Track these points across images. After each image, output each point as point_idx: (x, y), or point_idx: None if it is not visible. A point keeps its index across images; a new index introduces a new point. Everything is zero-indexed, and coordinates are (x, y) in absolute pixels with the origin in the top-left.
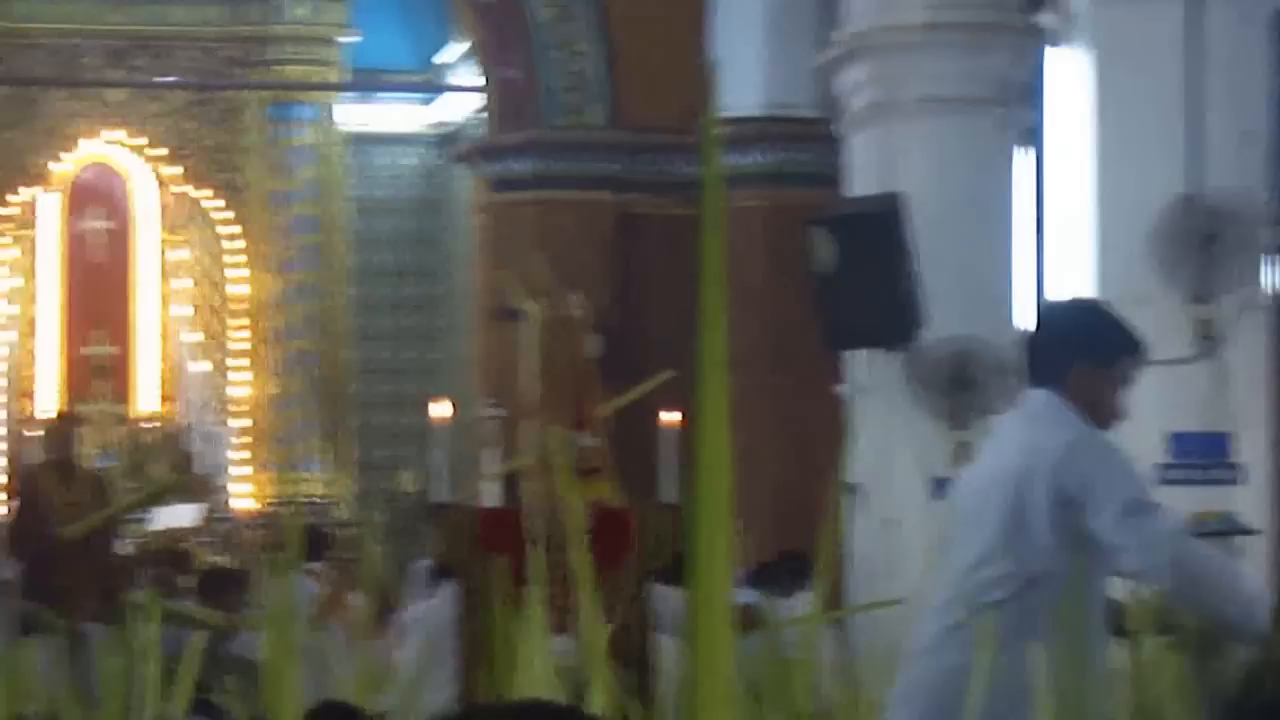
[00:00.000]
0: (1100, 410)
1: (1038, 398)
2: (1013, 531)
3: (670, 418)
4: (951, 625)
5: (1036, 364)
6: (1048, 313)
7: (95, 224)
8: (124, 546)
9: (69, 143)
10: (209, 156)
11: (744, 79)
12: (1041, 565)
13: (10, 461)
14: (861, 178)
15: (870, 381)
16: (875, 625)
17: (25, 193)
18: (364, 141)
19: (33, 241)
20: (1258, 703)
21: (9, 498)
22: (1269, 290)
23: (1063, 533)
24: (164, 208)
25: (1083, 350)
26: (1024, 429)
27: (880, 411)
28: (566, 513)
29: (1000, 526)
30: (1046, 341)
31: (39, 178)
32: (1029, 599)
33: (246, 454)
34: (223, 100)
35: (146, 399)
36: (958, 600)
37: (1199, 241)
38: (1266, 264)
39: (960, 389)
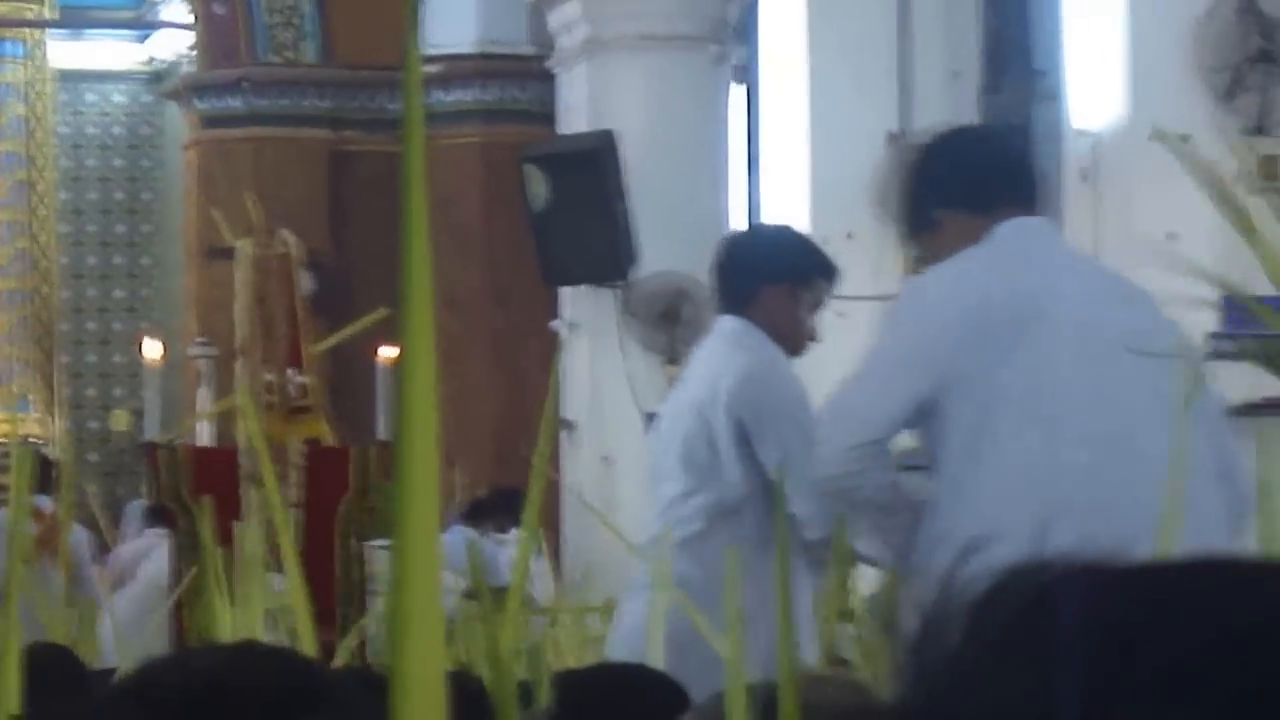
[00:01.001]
0: (791, 334)
1: (727, 324)
2: (705, 461)
3: (387, 354)
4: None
5: (726, 290)
6: (735, 239)
7: None
8: None
9: None
10: None
11: (457, 15)
12: (735, 494)
13: None
14: (576, 115)
15: (585, 317)
16: (591, 561)
17: None
18: (74, 79)
19: None
20: (940, 651)
21: None
22: None
23: (747, 461)
24: None
25: (772, 273)
26: (712, 357)
27: (595, 347)
28: (280, 451)
29: (693, 457)
30: (735, 267)
31: None
32: (729, 529)
33: None
34: None
35: None
36: (664, 533)
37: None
38: None
39: (673, 323)
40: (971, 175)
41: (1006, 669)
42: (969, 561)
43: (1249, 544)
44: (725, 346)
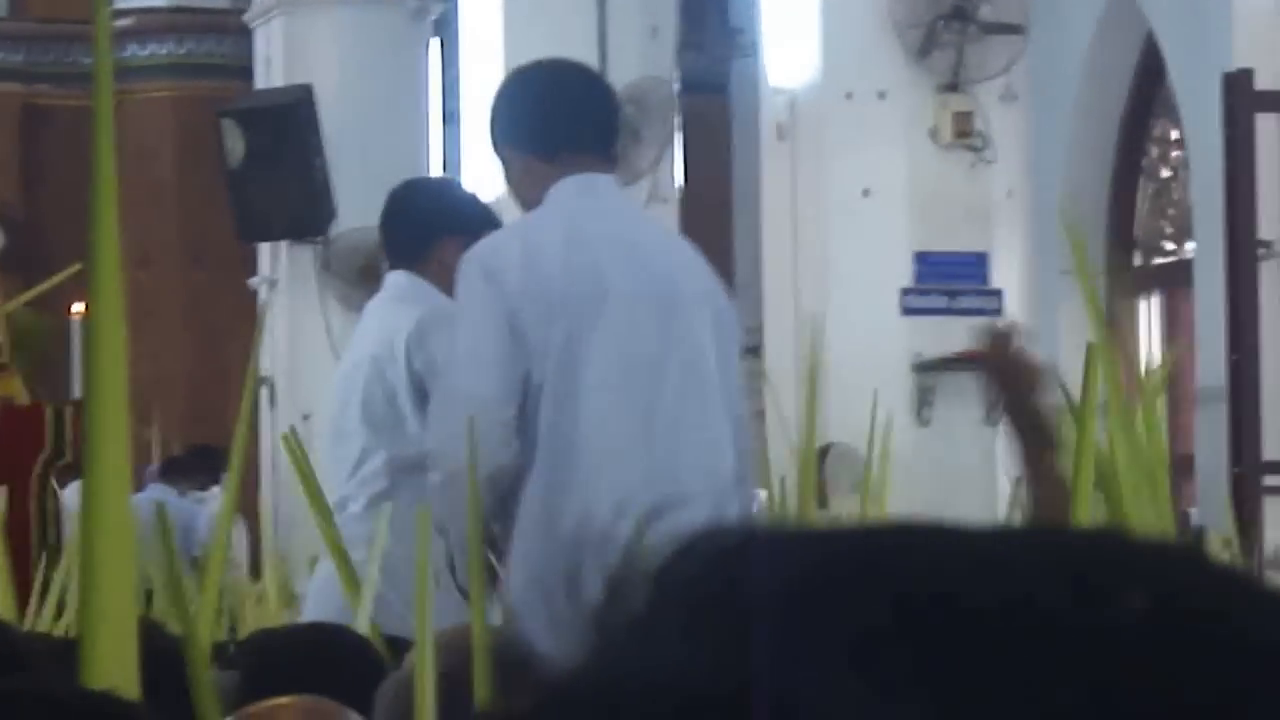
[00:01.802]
0: None
1: (399, 279)
2: (385, 418)
3: (79, 311)
4: (350, 516)
5: (396, 245)
6: (401, 193)
7: None
8: None
9: None
10: None
11: None
12: (417, 450)
13: None
14: (273, 70)
15: (283, 274)
16: (292, 519)
17: None
18: None
19: None
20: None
21: None
22: (678, 178)
23: (424, 415)
24: None
25: (446, 225)
26: (383, 313)
27: (294, 304)
28: None
29: (373, 415)
30: (403, 221)
31: None
32: (414, 486)
33: None
34: None
35: None
36: (352, 491)
37: None
38: (672, 151)
39: (374, 279)
40: (534, 116)
41: (690, 635)
42: (652, 527)
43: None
44: (394, 303)
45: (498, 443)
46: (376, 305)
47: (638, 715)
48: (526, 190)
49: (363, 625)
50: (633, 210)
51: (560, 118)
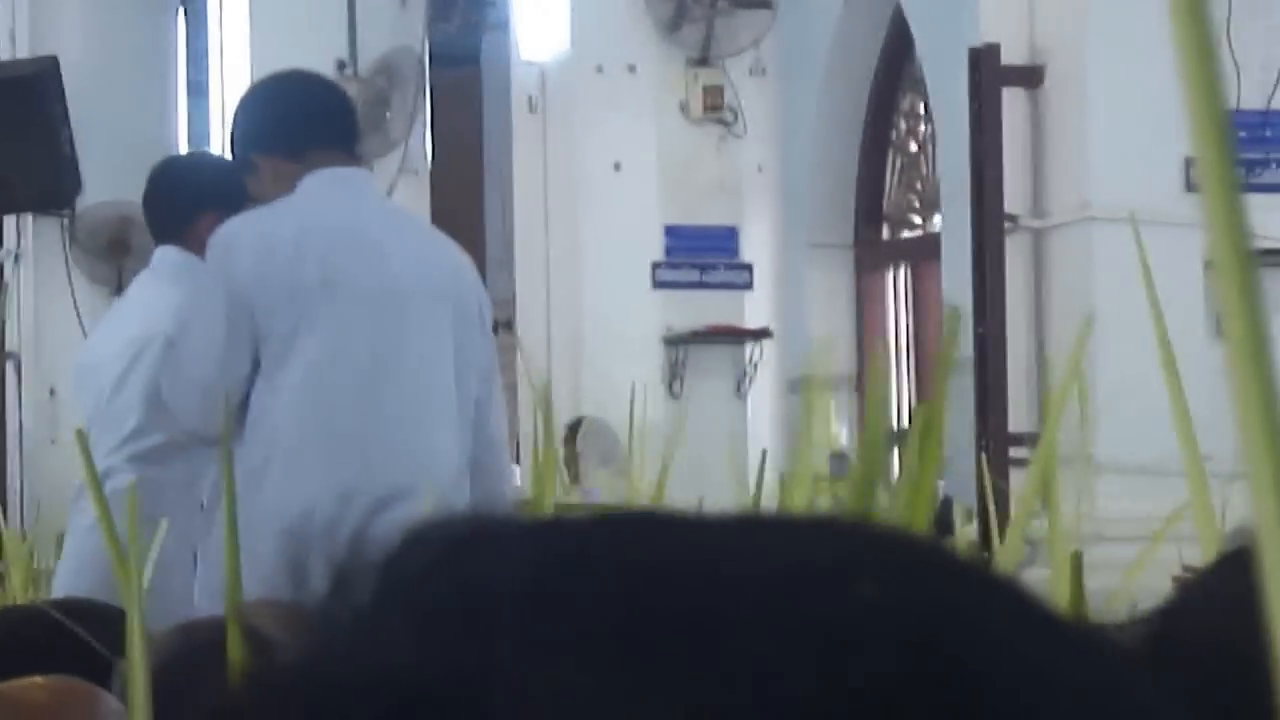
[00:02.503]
0: None
1: (165, 255)
2: (151, 399)
3: None
4: (113, 491)
5: (160, 220)
6: (163, 167)
7: None
8: None
9: None
10: None
11: None
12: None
13: None
14: (17, 41)
15: (28, 247)
16: (39, 494)
17: None
18: None
19: None
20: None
21: None
22: (428, 150)
23: None
24: None
25: (204, 200)
26: (148, 291)
27: (39, 277)
28: None
29: (136, 395)
30: (166, 196)
31: None
32: (181, 467)
33: None
34: None
35: None
36: (117, 465)
37: (365, 104)
38: (423, 123)
39: (121, 253)
40: (282, 120)
41: (413, 630)
42: (377, 518)
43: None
44: (161, 281)
45: (216, 426)
46: (142, 282)
47: (355, 711)
48: (277, 193)
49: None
50: (380, 204)
51: (303, 117)
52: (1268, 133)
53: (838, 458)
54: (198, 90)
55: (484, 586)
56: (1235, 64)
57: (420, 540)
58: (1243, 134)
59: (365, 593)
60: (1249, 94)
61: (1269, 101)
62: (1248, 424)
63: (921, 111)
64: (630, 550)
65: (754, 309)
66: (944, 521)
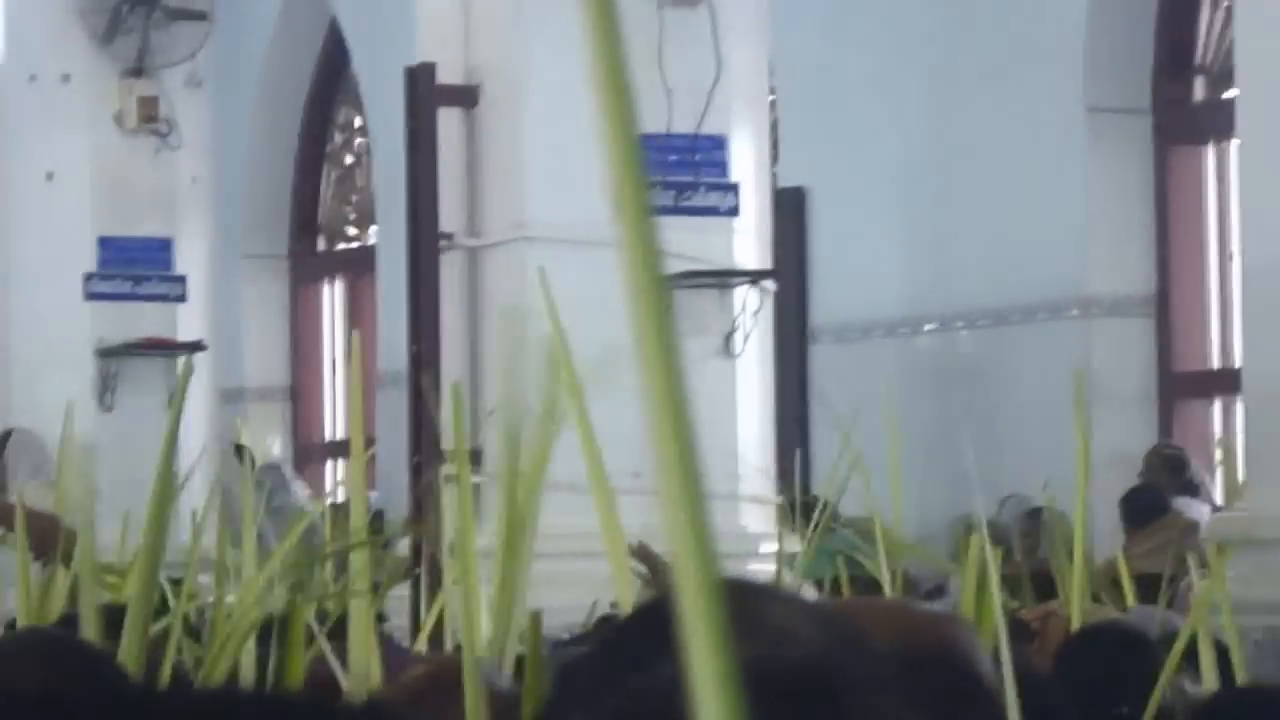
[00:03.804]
0: None
1: None
2: None
3: None
4: None
5: None
6: None
7: None
8: None
9: None
10: None
11: None
12: None
13: None
14: None
15: None
16: None
17: None
18: None
19: None
20: None
21: None
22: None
23: None
24: None
25: None
26: None
27: None
28: None
29: None
30: None
31: None
32: None
33: None
34: None
35: None
36: None
37: None
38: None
39: None
40: None
41: None
42: None
43: None
44: None
45: None
46: None
47: None
48: None
49: None
50: None
51: None
52: (698, 156)
53: (271, 468)
54: None
55: None
56: (667, 89)
57: None
58: (674, 157)
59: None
60: (680, 118)
61: (699, 126)
62: (661, 441)
63: (358, 124)
64: None
65: (188, 321)
66: (377, 532)
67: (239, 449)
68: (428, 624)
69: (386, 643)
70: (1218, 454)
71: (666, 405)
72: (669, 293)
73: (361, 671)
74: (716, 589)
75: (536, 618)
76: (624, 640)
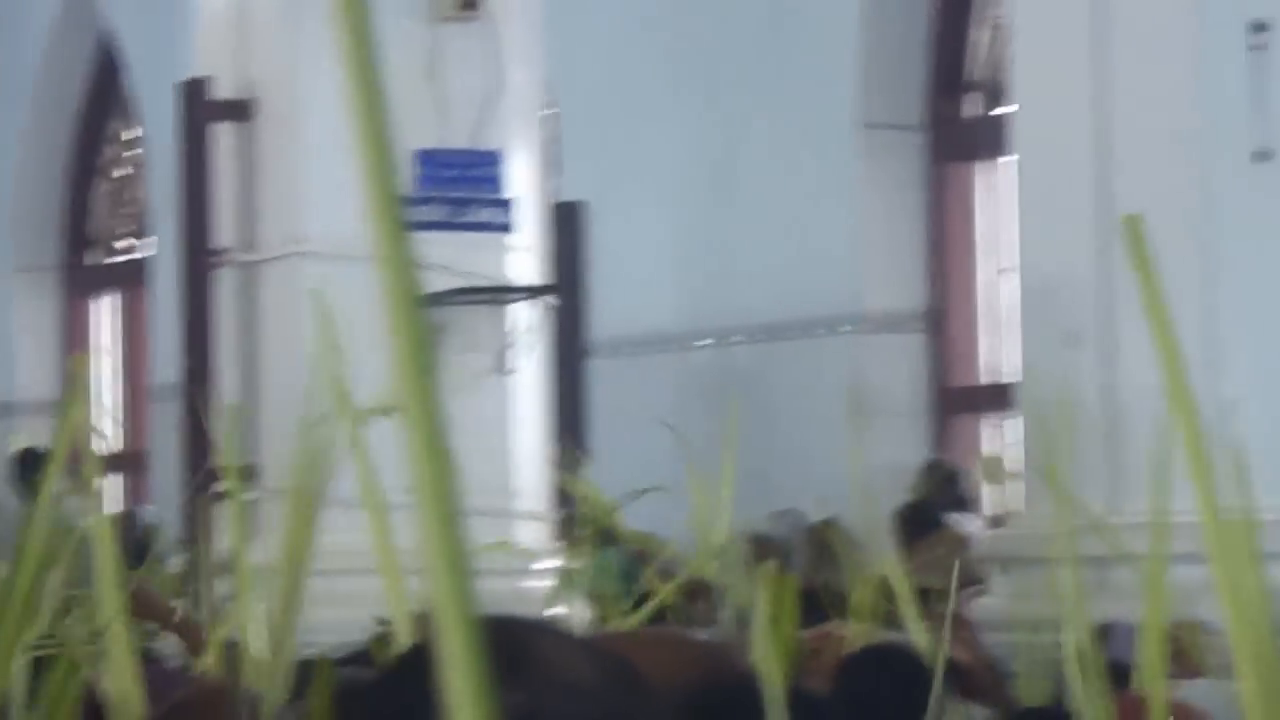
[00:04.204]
0: None
1: None
2: None
3: None
4: None
5: None
6: None
7: None
8: None
9: None
10: None
11: None
12: None
13: None
14: None
15: None
16: None
17: None
18: None
19: None
20: None
21: None
22: None
23: None
24: None
25: None
26: None
27: None
28: None
29: None
30: None
31: None
32: None
33: None
34: None
35: None
36: None
37: None
38: None
39: None
40: None
41: None
42: None
43: None
44: None
45: None
46: None
47: None
48: None
49: None
50: None
51: None
52: (473, 171)
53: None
54: None
55: None
56: (442, 104)
57: None
58: (450, 173)
59: None
60: (456, 134)
61: (475, 141)
62: (416, 458)
63: (132, 137)
64: None
65: None
66: (142, 549)
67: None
68: (212, 641)
69: (153, 666)
70: (987, 469)
71: (423, 426)
72: (426, 310)
73: (124, 697)
74: (474, 623)
75: (325, 665)
76: (392, 684)
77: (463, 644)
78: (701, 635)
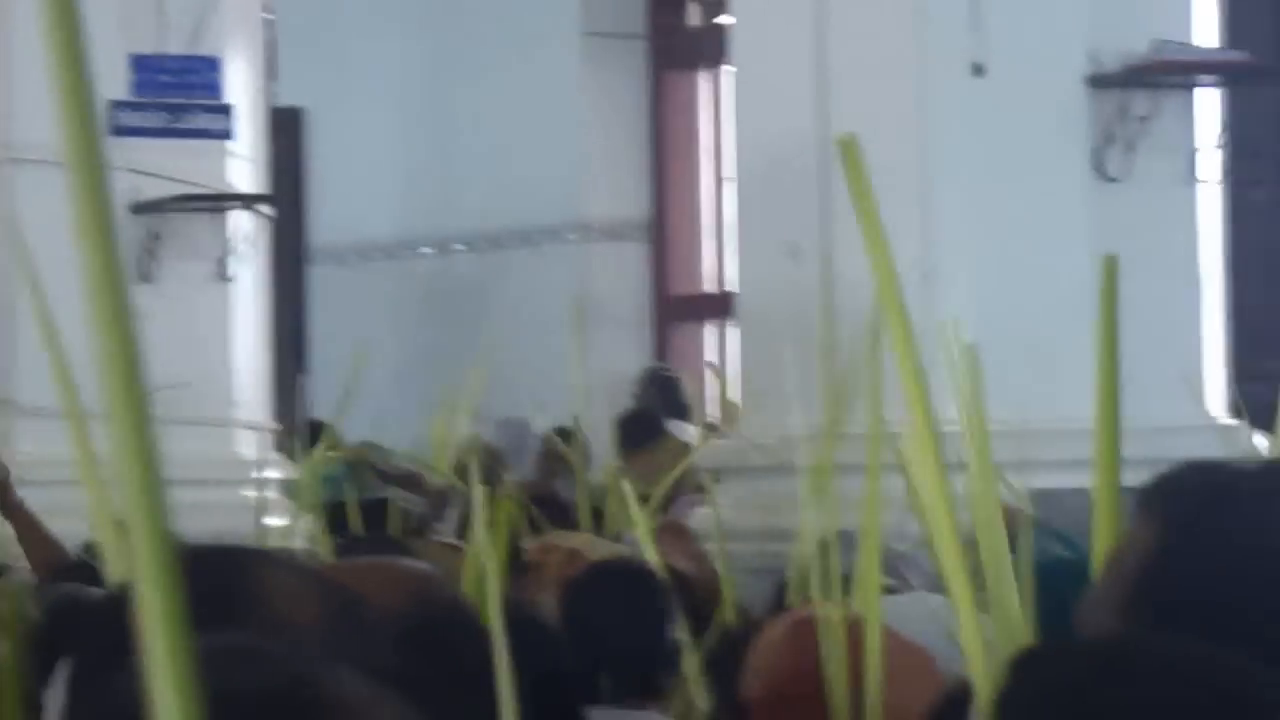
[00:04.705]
0: None
1: None
2: None
3: None
4: None
5: None
6: None
7: None
8: None
9: None
10: None
11: None
12: None
13: None
14: None
15: None
16: None
17: None
18: None
19: None
20: None
21: None
22: None
23: None
24: None
25: None
26: None
27: None
28: None
29: None
30: None
31: None
32: None
33: None
34: None
35: None
36: None
37: None
38: None
39: None
40: None
41: None
42: None
43: None
44: None
45: None
46: None
47: None
48: None
49: None
50: None
51: None
52: (191, 78)
53: None
54: None
55: None
56: (160, 9)
57: None
58: (167, 79)
59: None
60: (174, 40)
61: (193, 47)
62: (106, 366)
63: None
64: None
65: None
66: None
67: None
68: None
69: None
70: (710, 377)
71: (113, 334)
72: (115, 215)
73: None
74: (169, 546)
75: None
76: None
77: (156, 572)
78: (416, 562)
